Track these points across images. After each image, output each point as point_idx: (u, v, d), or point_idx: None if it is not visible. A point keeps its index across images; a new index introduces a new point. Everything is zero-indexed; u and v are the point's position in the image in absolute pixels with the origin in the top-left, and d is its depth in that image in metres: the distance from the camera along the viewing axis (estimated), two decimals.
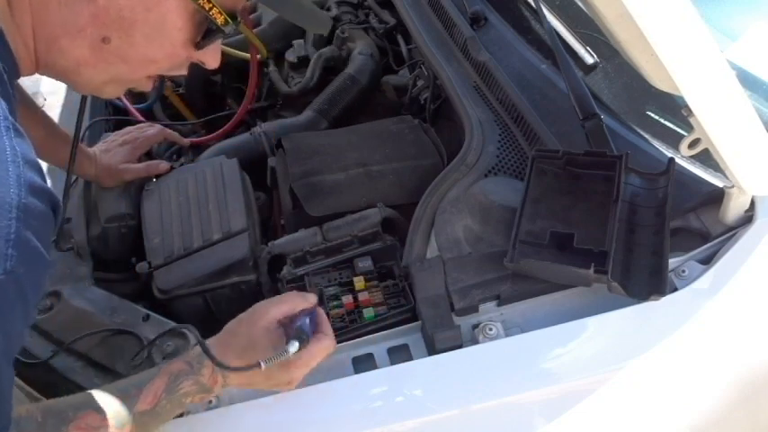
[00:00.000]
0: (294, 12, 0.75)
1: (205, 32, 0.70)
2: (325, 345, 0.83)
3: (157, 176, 1.26)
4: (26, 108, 1.06)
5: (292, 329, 0.83)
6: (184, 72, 0.76)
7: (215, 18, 0.67)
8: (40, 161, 0.55)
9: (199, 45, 0.71)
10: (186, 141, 1.43)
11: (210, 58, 0.75)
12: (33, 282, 0.51)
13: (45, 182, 0.53)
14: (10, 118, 0.52)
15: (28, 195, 0.49)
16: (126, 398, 0.73)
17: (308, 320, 0.85)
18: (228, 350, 0.80)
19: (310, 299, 0.88)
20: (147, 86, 0.77)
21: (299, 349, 0.80)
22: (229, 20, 0.69)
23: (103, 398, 0.71)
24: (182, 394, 0.77)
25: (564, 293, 0.96)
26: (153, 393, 0.75)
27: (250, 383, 0.83)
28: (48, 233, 0.53)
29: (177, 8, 0.66)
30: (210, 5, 0.66)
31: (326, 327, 0.86)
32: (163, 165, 1.25)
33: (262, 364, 0.76)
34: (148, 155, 1.39)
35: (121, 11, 0.63)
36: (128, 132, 1.28)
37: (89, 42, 0.64)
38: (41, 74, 0.68)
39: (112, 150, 1.22)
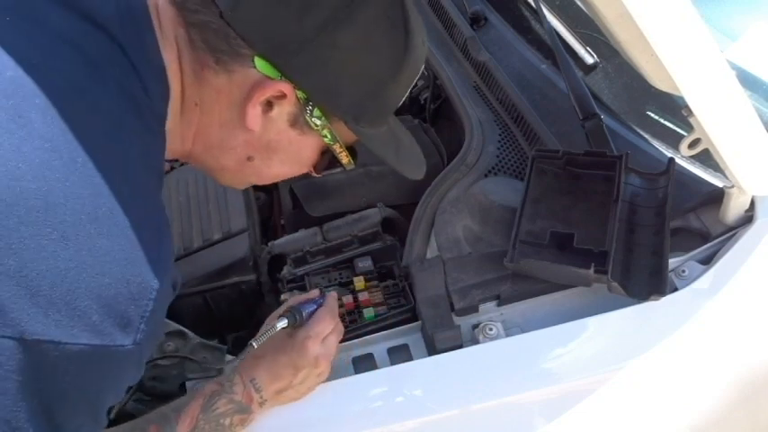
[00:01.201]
0: (398, 161, 0.81)
1: (329, 164, 0.80)
2: (326, 318, 0.85)
3: None
4: None
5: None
6: None
7: (342, 159, 0.78)
8: None
9: (318, 170, 0.81)
10: None
11: (320, 173, 0.83)
12: (149, 350, 0.59)
13: (173, 266, 0.61)
14: (168, 222, 0.62)
15: (165, 282, 0.57)
16: (166, 423, 0.77)
17: (314, 306, 0.87)
18: (257, 362, 0.83)
19: (312, 293, 0.91)
20: None
21: (290, 326, 0.82)
22: (353, 161, 0.79)
23: (144, 426, 0.76)
24: (218, 414, 0.79)
25: (564, 293, 0.96)
26: (190, 416, 0.78)
27: (286, 386, 0.83)
28: (166, 309, 0.61)
29: (314, 146, 0.76)
30: (341, 149, 0.76)
31: (331, 302, 0.89)
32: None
33: (253, 343, 0.79)
34: None
35: (270, 142, 0.73)
36: None
37: (236, 158, 0.75)
38: (187, 161, 0.80)
39: None
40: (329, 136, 0.74)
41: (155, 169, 0.63)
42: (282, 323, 0.81)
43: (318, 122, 0.71)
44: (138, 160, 0.60)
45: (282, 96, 0.68)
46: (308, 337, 0.82)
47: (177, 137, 0.71)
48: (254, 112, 0.69)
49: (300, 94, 0.68)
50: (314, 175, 0.82)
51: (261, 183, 0.83)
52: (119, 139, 0.58)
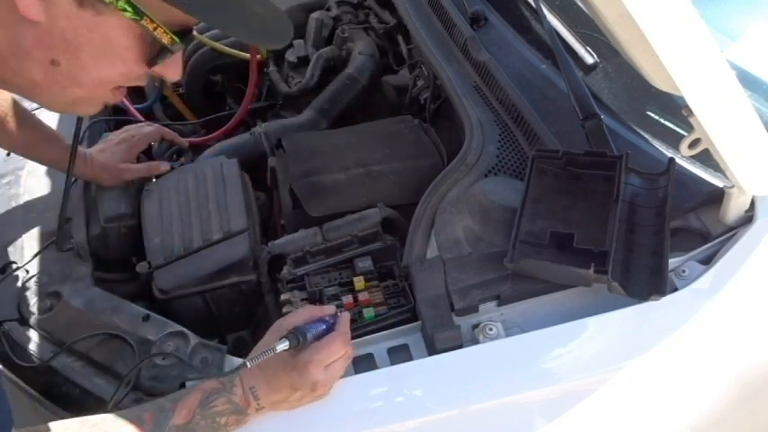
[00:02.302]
0: (243, 30, 0.69)
1: (154, 50, 0.68)
2: (336, 344, 0.82)
3: (158, 177, 1.26)
4: (13, 109, 1.06)
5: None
6: (143, 83, 0.73)
7: (160, 38, 0.65)
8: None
9: (150, 62, 0.68)
10: (184, 142, 1.43)
11: (170, 71, 0.72)
12: None
13: None
14: None
15: None
16: (161, 412, 0.76)
17: (323, 326, 0.85)
18: (259, 372, 0.82)
19: (327, 309, 0.89)
20: (116, 99, 0.74)
21: (292, 348, 0.80)
22: (176, 38, 0.66)
23: (136, 416, 0.75)
24: (215, 412, 0.78)
25: (564, 293, 0.96)
26: (187, 408, 0.77)
27: (283, 399, 0.82)
28: None
29: (121, 27, 0.63)
30: (155, 25, 0.63)
31: (344, 328, 0.86)
32: (163, 165, 1.25)
33: (247, 363, 0.77)
34: (149, 155, 1.38)
35: (65, 33, 0.61)
36: (125, 131, 1.28)
37: (38, 66, 0.64)
38: (5, 89, 0.67)
39: (109, 150, 1.22)
40: (130, 9, 0.61)
41: None
42: (283, 345, 0.79)
43: None
44: None
45: None
46: (310, 361, 0.80)
47: None
48: None
49: None
50: (153, 72, 0.70)
51: (87, 93, 0.69)
52: None
